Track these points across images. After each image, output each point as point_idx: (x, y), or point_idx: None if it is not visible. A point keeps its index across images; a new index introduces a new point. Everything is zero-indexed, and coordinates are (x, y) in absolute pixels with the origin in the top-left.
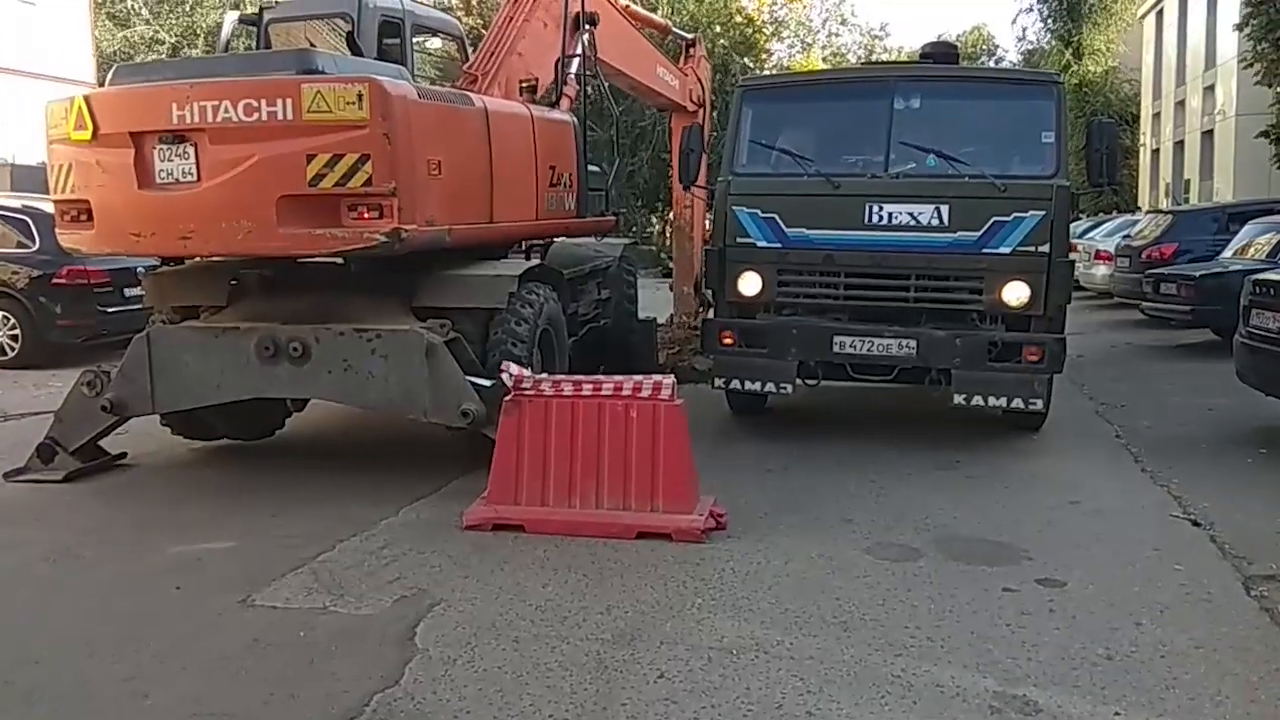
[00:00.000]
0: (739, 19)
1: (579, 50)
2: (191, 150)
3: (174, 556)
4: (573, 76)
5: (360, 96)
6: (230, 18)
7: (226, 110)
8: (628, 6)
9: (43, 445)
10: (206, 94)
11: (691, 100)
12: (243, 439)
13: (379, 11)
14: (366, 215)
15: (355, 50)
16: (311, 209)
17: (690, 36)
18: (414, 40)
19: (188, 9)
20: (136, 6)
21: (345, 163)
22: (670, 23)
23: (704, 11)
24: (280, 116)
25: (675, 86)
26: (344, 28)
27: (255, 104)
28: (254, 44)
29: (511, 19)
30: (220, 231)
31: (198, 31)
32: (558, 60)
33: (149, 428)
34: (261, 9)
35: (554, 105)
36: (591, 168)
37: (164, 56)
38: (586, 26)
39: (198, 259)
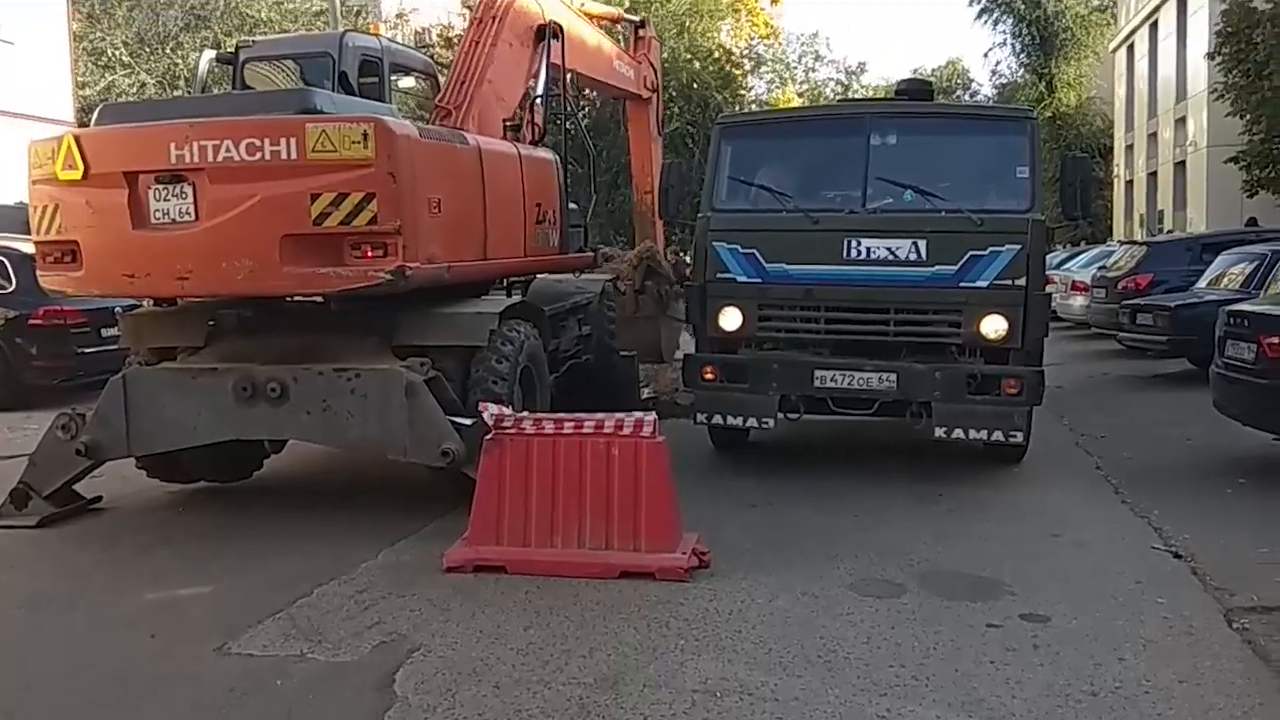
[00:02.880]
0: (718, 54)
1: (546, 61)
2: (190, 190)
3: (149, 603)
4: (539, 102)
5: (365, 136)
6: (206, 56)
7: (228, 150)
8: (583, 6)
9: (16, 490)
10: (207, 134)
11: (646, 87)
12: (220, 481)
13: (359, 51)
14: (371, 254)
15: (348, 90)
16: (315, 248)
17: (638, 18)
18: (390, 78)
19: (168, 51)
20: (117, 51)
21: (350, 201)
22: (620, 10)
23: (685, 46)
24: (284, 156)
25: (630, 76)
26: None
27: (258, 143)
28: (230, 83)
29: (477, 43)
30: (220, 271)
31: (178, 74)
32: (527, 91)
33: (124, 471)
34: (238, 48)
35: (537, 142)
36: (570, 205)
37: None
38: (552, 40)
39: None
